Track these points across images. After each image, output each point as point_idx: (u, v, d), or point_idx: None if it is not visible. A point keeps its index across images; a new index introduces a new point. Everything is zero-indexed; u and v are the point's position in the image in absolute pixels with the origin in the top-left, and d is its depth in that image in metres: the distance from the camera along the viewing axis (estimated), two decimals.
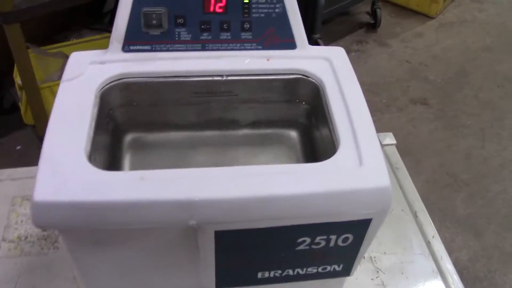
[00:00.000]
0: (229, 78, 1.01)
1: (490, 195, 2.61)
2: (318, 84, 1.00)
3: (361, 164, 0.83)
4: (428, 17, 3.57)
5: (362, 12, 3.56)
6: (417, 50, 3.33)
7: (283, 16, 1.02)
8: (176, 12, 1.00)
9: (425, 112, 2.96)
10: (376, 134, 0.91)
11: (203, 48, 1.02)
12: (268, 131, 1.07)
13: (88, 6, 2.71)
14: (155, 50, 1.01)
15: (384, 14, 3.50)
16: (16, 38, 2.14)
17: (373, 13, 3.39)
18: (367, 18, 3.50)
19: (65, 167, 0.77)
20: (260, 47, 1.03)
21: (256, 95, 1.03)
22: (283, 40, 1.03)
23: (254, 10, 1.01)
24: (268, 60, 1.02)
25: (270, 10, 1.01)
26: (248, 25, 1.02)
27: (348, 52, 1.05)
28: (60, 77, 0.99)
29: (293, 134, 1.07)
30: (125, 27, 0.99)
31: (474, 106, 2.99)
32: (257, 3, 1.01)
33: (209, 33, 1.01)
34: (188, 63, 1.00)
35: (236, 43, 1.02)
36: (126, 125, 1.03)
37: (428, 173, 2.70)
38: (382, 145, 1.39)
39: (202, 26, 1.01)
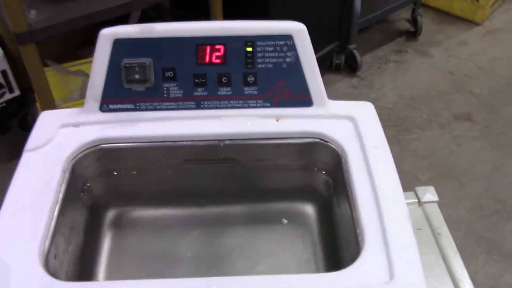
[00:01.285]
0: (230, 143, 0.79)
1: None
2: (339, 151, 0.78)
3: (391, 277, 0.60)
4: (474, 23, 3.25)
5: (401, 19, 3.27)
6: (462, 60, 3.03)
7: (296, 67, 0.80)
8: (164, 64, 0.79)
9: (470, 129, 2.66)
10: (411, 228, 0.68)
11: (198, 107, 0.81)
12: (278, 206, 0.85)
13: (113, 21, 2.53)
14: (140, 109, 0.81)
15: (425, 20, 3.20)
16: (32, 58, 1.99)
17: (414, 20, 3.10)
18: (407, 26, 3.21)
19: (14, 276, 0.59)
20: (268, 105, 0.81)
21: (262, 162, 0.82)
22: (296, 96, 0.81)
23: (259, 60, 0.79)
24: (277, 120, 0.80)
25: (280, 60, 0.79)
26: (252, 78, 0.80)
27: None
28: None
29: (309, 210, 0.85)
30: (102, 82, 0.79)
31: None
32: (263, 51, 0.79)
33: (204, 88, 0.80)
34: (180, 125, 0.80)
35: (238, 99, 0.81)
36: (104, 200, 0.83)
37: (473, 198, 2.41)
38: (421, 203, 1.14)
39: (196, 80, 0.80)
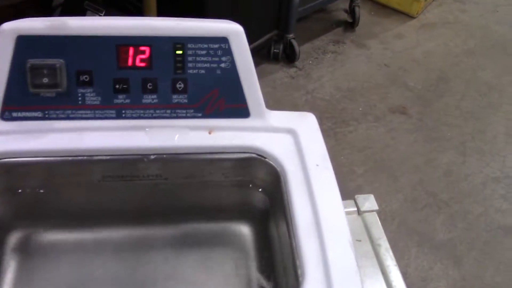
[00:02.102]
0: (155, 157, 0.68)
1: (471, 218, 2.34)
2: (277, 169, 0.68)
3: None
4: (409, 16, 3.24)
5: (339, 9, 3.22)
6: (397, 52, 3.01)
7: (232, 73, 0.69)
8: (78, 66, 0.67)
9: (404, 123, 2.66)
10: (355, 260, 0.60)
11: (119, 116, 0.69)
12: (210, 227, 0.75)
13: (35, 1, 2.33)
14: (49, 118, 0.68)
15: (363, 12, 3.17)
16: None
17: (351, 11, 3.05)
18: (345, 16, 3.15)
19: None
20: (200, 115, 0.71)
21: (193, 179, 0.71)
22: (232, 106, 0.71)
23: (190, 65, 0.68)
24: (210, 133, 0.70)
25: (214, 65, 0.69)
26: (182, 85, 0.69)
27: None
28: None
29: (245, 231, 0.76)
30: (3, 86, 0.66)
31: (456, 116, 2.70)
32: (195, 55, 0.68)
33: (126, 95, 0.68)
34: (97, 137, 0.68)
35: (166, 109, 0.70)
36: (6, 221, 0.70)
37: (406, 191, 2.41)
38: (361, 212, 1.08)
39: (117, 86, 0.68)
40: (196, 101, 0.70)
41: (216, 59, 0.69)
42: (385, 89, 2.83)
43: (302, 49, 2.87)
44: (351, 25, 3.09)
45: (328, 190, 0.65)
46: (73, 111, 0.68)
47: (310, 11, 2.86)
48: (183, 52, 0.68)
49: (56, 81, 0.66)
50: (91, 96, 0.68)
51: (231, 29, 0.68)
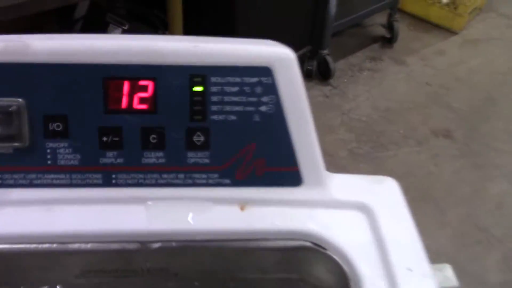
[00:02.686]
0: (161, 246, 0.43)
1: None
2: (344, 268, 0.43)
3: None
4: (451, 32, 2.96)
5: (376, 24, 2.95)
6: (439, 70, 2.73)
7: (277, 121, 0.44)
8: (47, 109, 0.43)
9: (449, 147, 2.37)
10: None
11: (107, 183, 0.45)
12: None
13: (57, 11, 2.13)
14: (5, 185, 0.44)
15: (402, 26, 2.89)
16: None
17: (390, 26, 2.78)
18: (382, 31, 2.88)
19: None
20: (227, 182, 0.46)
21: (214, 276, 0.46)
22: (276, 169, 0.45)
23: (214, 108, 0.44)
24: (242, 209, 0.45)
25: (249, 108, 0.44)
26: (201, 138, 0.44)
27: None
28: None
29: None
30: None
31: (504, 141, 2.41)
32: (222, 92, 0.43)
33: (118, 152, 0.44)
34: (74, 215, 0.43)
35: (177, 172, 0.45)
36: None
37: (454, 225, 2.11)
38: None
39: (104, 138, 0.43)
40: (222, 162, 0.45)
41: (254, 99, 0.44)
42: (427, 110, 2.55)
43: (337, 66, 2.62)
44: (389, 40, 2.83)
45: None
46: (40, 175, 0.44)
47: (345, 26, 2.62)
48: (204, 88, 0.43)
49: (12, 131, 0.42)
50: (65, 154, 0.44)
51: (276, 55, 0.43)
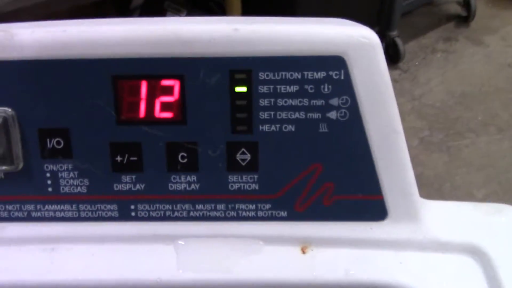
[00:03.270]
0: None
1: None
2: None
3: None
4: None
5: (450, 1, 2.74)
6: None
7: (353, 132, 0.31)
8: (43, 122, 0.31)
9: None
10: None
11: (124, 216, 0.33)
12: None
13: (115, 0, 2.11)
14: None
15: (479, 3, 2.66)
16: None
17: (466, 3, 2.56)
18: (457, 9, 2.67)
19: None
20: (284, 214, 0.33)
21: None
22: (350, 197, 0.32)
23: (264, 115, 0.31)
24: (304, 251, 0.32)
25: (313, 115, 0.30)
26: (248, 156, 0.31)
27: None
28: None
29: None
30: None
31: None
32: (274, 94, 0.30)
33: (137, 175, 0.32)
34: (83, 257, 0.32)
35: (215, 202, 0.33)
36: None
37: None
38: None
39: (118, 158, 0.32)
40: (276, 188, 0.32)
41: (319, 102, 0.31)
42: (509, 95, 2.33)
43: (407, 48, 2.45)
44: (464, 19, 2.61)
45: None
46: (39, 207, 0.34)
47: (416, 5, 2.45)
48: (248, 89, 0.30)
49: (1, 150, 0.31)
50: (70, 178, 0.33)
51: (353, 39, 0.29)
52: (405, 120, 2.18)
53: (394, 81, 2.39)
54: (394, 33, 2.30)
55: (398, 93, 2.43)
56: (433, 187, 1.84)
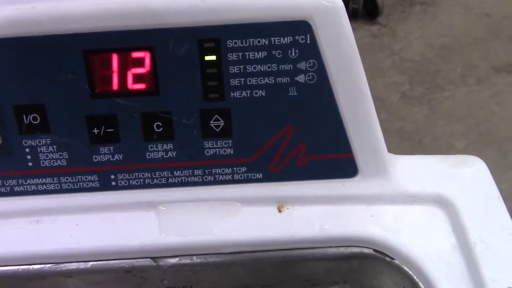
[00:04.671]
0: (176, 262, 0.33)
1: None
2: (416, 280, 0.31)
3: None
4: None
5: None
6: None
7: (320, 93, 0.32)
8: (19, 98, 0.32)
9: None
10: None
11: (105, 186, 0.34)
12: None
13: None
14: None
15: None
16: None
17: None
18: None
19: None
20: (259, 176, 0.34)
21: None
22: (322, 157, 0.34)
23: (234, 81, 0.32)
24: (280, 210, 0.34)
25: (282, 79, 0.32)
26: (221, 122, 0.33)
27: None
28: None
29: None
30: None
31: None
32: (244, 60, 0.31)
33: (115, 146, 0.33)
34: (66, 228, 0.33)
35: (192, 168, 0.34)
36: None
37: None
38: None
39: (95, 130, 0.33)
40: (251, 152, 0.34)
41: (287, 67, 0.32)
42: (487, 45, 2.33)
43: (386, 2, 2.43)
44: None
45: None
46: (21, 181, 0.35)
47: None
48: (218, 57, 0.31)
49: None
50: (49, 152, 0.34)
51: (317, 3, 0.30)
52: (386, 76, 2.19)
53: (373, 36, 2.39)
54: None
55: (378, 49, 2.42)
56: (414, 140, 1.87)
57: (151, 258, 0.35)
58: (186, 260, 0.35)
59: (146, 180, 0.35)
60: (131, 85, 0.33)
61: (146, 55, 0.32)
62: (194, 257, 0.35)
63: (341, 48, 0.32)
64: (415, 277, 0.33)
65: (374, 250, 0.34)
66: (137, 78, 0.33)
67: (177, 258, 0.35)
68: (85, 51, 0.32)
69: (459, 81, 2.22)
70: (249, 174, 0.35)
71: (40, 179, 0.35)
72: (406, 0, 2.47)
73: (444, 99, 2.15)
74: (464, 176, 0.36)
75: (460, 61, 2.30)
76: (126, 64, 0.32)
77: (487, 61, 2.30)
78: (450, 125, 2.04)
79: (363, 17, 2.38)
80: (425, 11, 2.46)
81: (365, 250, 0.35)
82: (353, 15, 2.30)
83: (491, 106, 2.13)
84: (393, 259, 0.34)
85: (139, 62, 0.32)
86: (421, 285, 0.33)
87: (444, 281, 0.32)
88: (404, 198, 0.35)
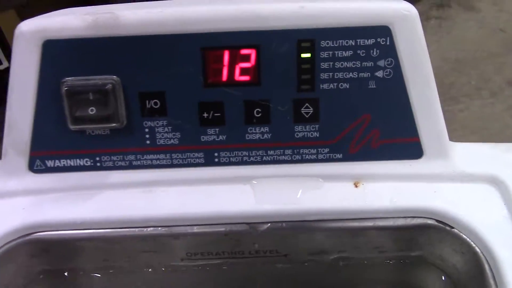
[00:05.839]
0: (270, 227, 0.40)
1: None
2: (475, 248, 0.38)
3: None
4: None
5: None
6: None
7: (395, 87, 0.39)
8: (142, 86, 0.39)
9: None
10: None
11: (209, 162, 0.41)
12: None
13: None
14: (102, 168, 0.42)
15: None
16: (11, 25, 1.60)
17: None
18: None
19: None
20: (339, 157, 0.41)
21: (326, 256, 0.43)
22: (393, 140, 0.41)
23: (324, 75, 0.39)
24: (357, 185, 0.41)
25: (364, 74, 0.39)
26: (311, 110, 0.40)
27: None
28: None
29: None
30: (29, 122, 0.40)
31: None
32: (333, 58, 0.38)
33: (220, 128, 0.40)
34: (176, 197, 0.40)
35: (284, 148, 0.41)
36: None
37: None
38: None
39: (205, 114, 0.40)
40: (333, 135, 0.40)
41: (369, 64, 0.38)
42: (501, 59, 2.38)
43: None
44: None
45: None
46: (139, 156, 0.41)
47: None
48: (312, 55, 0.38)
49: (109, 111, 0.39)
50: (164, 133, 0.41)
51: (397, 11, 0.37)
52: None
53: None
54: None
55: None
56: None
57: (246, 223, 0.41)
58: (276, 225, 0.41)
59: (244, 158, 0.42)
60: (237, 77, 0.40)
61: (252, 52, 0.39)
62: (283, 223, 0.41)
63: (415, 49, 0.39)
64: (472, 243, 0.39)
65: (436, 220, 0.41)
66: (243, 71, 0.39)
67: (269, 224, 0.41)
68: (202, 48, 0.39)
69: (474, 94, 2.26)
70: (331, 154, 0.42)
71: (155, 155, 0.42)
72: (422, 14, 2.53)
73: (458, 112, 2.20)
74: None
75: (475, 74, 2.34)
76: (235, 59, 0.39)
77: (501, 75, 2.34)
78: (465, 136, 2.08)
79: None
80: (440, 25, 2.51)
81: (428, 221, 0.41)
82: None
83: (505, 119, 2.17)
84: (452, 228, 0.40)
85: (246, 58, 0.39)
86: (477, 249, 0.39)
87: (498, 244, 0.38)
88: (462, 177, 0.42)
